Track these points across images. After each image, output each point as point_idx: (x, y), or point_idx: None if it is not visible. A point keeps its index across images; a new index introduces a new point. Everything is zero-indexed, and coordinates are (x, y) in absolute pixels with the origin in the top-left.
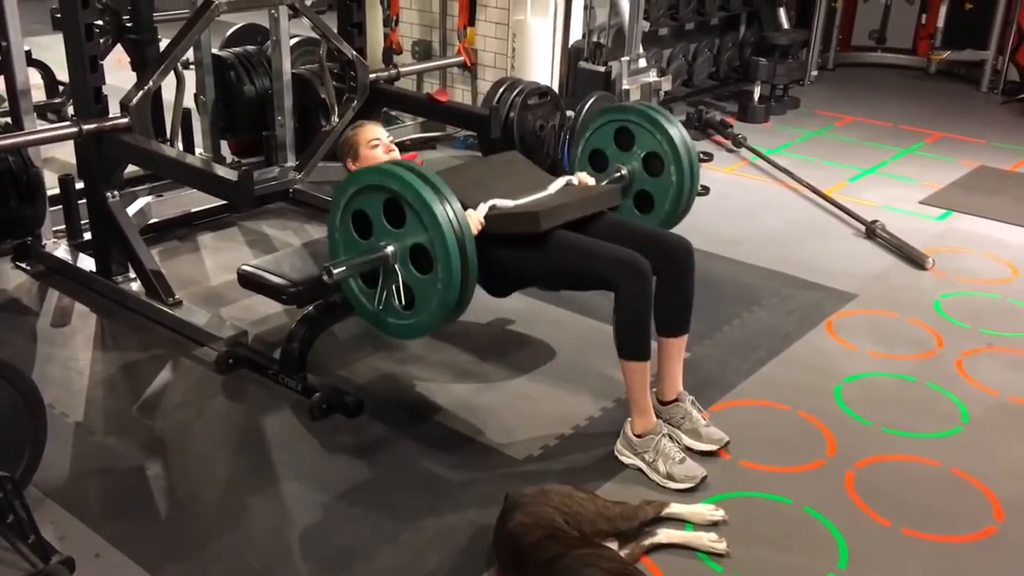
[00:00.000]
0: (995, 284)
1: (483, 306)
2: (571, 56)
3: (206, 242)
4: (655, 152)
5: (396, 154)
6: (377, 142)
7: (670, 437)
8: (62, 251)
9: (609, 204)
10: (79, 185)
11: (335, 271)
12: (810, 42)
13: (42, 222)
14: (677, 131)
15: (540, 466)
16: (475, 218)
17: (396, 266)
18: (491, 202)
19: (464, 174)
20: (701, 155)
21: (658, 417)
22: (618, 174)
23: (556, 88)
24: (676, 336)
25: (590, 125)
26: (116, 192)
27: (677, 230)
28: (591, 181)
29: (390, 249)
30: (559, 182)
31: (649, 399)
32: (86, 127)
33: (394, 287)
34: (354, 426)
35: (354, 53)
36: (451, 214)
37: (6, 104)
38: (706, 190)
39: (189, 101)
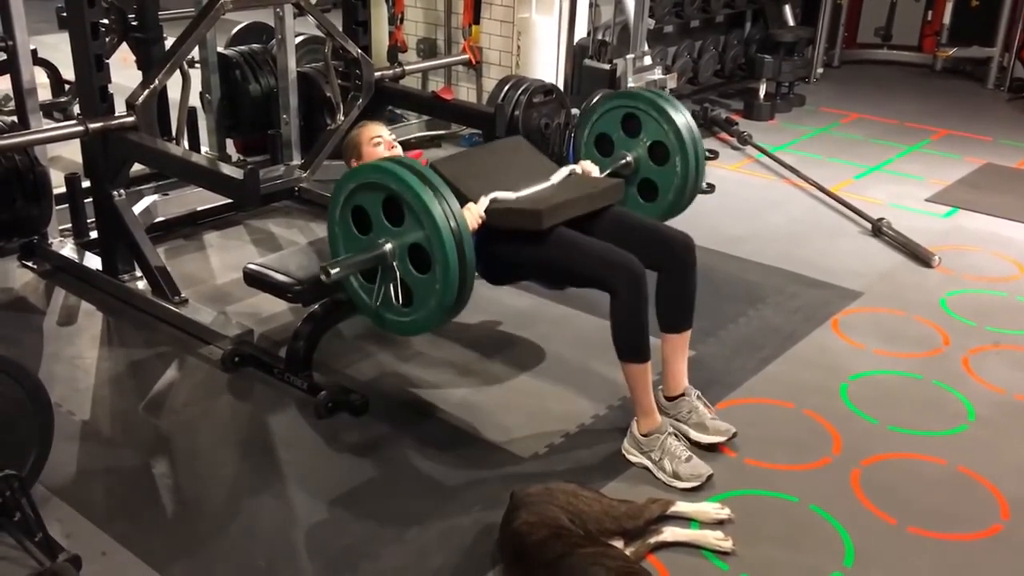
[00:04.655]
0: (1001, 282)
1: (488, 304)
2: (576, 54)
3: (212, 240)
4: (661, 141)
5: (398, 150)
6: (379, 139)
7: (676, 436)
8: (68, 250)
9: (612, 200)
10: (85, 184)
11: (332, 271)
12: (816, 39)
13: (48, 221)
14: (684, 121)
15: (545, 464)
16: (476, 212)
17: (394, 264)
18: (493, 195)
19: (467, 163)
20: (707, 152)
21: (664, 413)
22: (623, 161)
23: (561, 86)
24: (678, 332)
25: (598, 108)
26: (122, 191)
27: (682, 226)
28: (595, 171)
29: (388, 246)
30: (562, 172)
31: (652, 399)
32: (92, 126)
33: (392, 284)
34: (359, 424)
35: (359, 51)
36: (450, 217)
37: (12, 103)
38: (711, 188)
39: (195, 100)
